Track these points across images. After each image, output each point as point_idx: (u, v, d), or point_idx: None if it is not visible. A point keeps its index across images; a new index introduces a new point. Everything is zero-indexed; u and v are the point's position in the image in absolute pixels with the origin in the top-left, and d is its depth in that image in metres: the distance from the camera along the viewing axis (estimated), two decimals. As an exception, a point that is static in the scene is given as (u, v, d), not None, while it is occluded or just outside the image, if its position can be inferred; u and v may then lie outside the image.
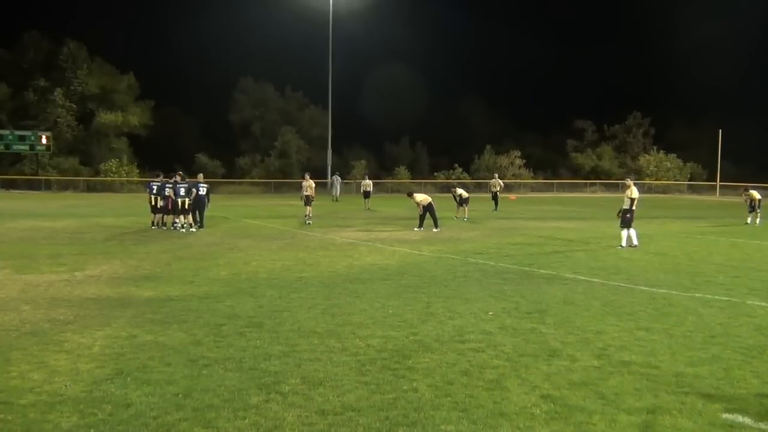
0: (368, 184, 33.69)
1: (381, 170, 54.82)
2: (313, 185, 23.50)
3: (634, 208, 15.94)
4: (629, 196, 15.95)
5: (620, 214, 16.06)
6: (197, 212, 19.60)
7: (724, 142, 56.34)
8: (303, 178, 24.43)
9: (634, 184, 16.58)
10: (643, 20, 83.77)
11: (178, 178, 19.71)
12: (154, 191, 19.84)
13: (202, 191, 19.82)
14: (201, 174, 22.10)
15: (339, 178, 43.22)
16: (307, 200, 22.99)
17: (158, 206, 19.72)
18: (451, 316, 8.23)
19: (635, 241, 15.83)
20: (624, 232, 15.86)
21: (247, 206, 33.08)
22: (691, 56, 66.13)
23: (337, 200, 39.00)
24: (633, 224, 15.90)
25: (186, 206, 18.97)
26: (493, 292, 9.90)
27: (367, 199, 32.44)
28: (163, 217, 19.80)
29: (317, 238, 17.47)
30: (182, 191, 18.93)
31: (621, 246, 15.67)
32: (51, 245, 15.27)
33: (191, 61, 62.58)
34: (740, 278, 11.42)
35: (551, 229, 20.91)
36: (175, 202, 19.17)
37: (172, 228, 19.24)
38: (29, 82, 53.26)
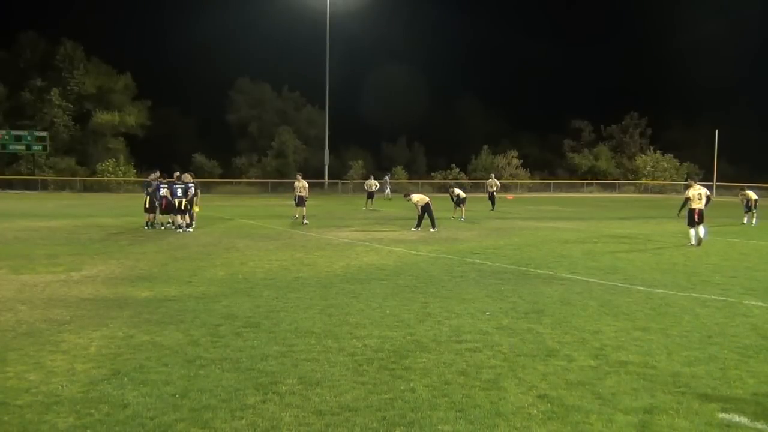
0: (372, 184, 33.67)
1: (378, 170, 54.90)
2: (306, 185, 23.42)
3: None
4: (706, 194, 16.71)
5: (682, 213, 16.82)
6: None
7: (721, 142, 56.51)
8: (296, 178, 24.36)
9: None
10: (640, 20, 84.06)
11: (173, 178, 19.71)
12: (150, 191, 19.85)
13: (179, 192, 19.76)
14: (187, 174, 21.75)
15: (388, 177, 43.79)
16: (300, 200, 22.91)
17: (154, 206, 19.72)
18: (448, 316, 8.23)
19: (694, 241, 16.27)
20: (702, 230, 16.34)
21: (244, 206, 33.07)
22: (687, 56, 66.41)
23: (390, 199, 40.08)
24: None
25: (183, 206, 18.94)
26: (490, 292, 9.90)
27: (370, 200, 32.39)
28: (155, 217, 19.79)
29: (314, 239, 17.46)
30: (179, 191, 18.90)
31: (692, 244, 16.21)
32: (47, 245, 15.24)
33: (188, 61, 62.62)
34: (737, 278, 11.44)
35: (548, 229, 20.93)
36: (170, 202, 19.16)
37: (172, 228, 19.22)
38: (26, 82, 53.19)
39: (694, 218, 16.34)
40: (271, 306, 8.78)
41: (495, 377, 5.86)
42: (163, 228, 19.41)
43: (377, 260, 13.32)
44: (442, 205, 24.50)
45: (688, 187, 17.30)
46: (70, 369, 5.99)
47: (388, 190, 42.44)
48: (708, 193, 17.21)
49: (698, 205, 16.39)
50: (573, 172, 65.50)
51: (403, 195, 22.56)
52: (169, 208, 19.37)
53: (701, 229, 16.38)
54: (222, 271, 11.82)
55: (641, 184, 62.40)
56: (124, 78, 57.22)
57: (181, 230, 18.65)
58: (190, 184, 19.51)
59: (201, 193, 20.77)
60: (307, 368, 6.06)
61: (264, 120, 61.66)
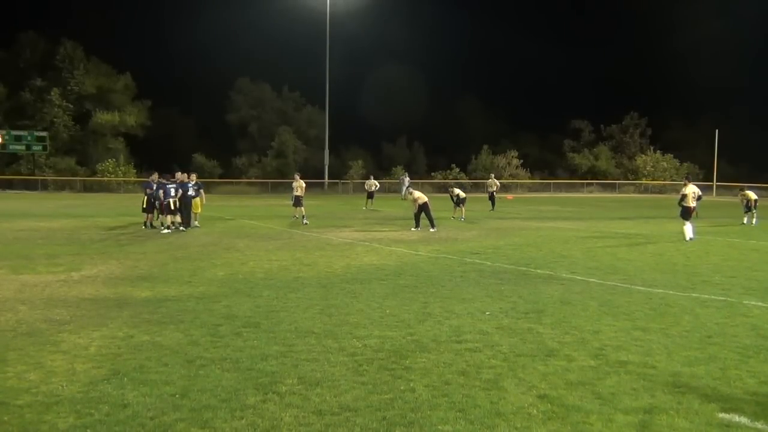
0: (372, 184, 33.60)
1: (378, 170, 54.91)
2: (304, 185, 23.41)
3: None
4: (699, 193, 18.34)
5: (683, 210, 17.94)
6: (186, 212, 19.53)
7: (721, 142, 56.49)
8: (293, 178, 24.34)
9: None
10: (640, 20, 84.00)
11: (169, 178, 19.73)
12: (149, 191, 19.84)
13: (191, 192, 19.70)
14: (195, 174, 21.93)
15: (407, 178, 43.71)
16: (297, 201, 22.90)
17: (153, 206, 19.69)
18: (448, 316, 8.23)
19: (691, 234, 17.51)
20: (689, 226, 17.58)
21: (244, 206, 33.07)
22: (688, 56, 66.30)
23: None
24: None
25: (177, 206, 18.88)
26: (490, 292, 9.91)
27: (370, 200, 32.35)
28: (153, 217, 19.77)
29: (314, 239, 17.46)
30: (172, 191, 18.84)
31: (690, 239, 17.32)
32: (48, 245, 15.23)
33: (188, 61, 62.59)
34: (737, 278, 11.44)
35: (548, 229, 20.93)
36: (168, 202, 19.15)
37: (172, 228, 19.21)
38: (26, 82, 53.15)
39: (689, 214, 17.83)
40: (271, 306, 8.78)
41: (495, 377, 5.86)
42: (164, 228, 19.37)
43: (377, 260, 13.32)
44: (442, 205, 24.51)
45: (685, 185, 18.66)
46: (70, 369, 5.99)
47: (407, 189, 42.10)
48: (700, 192, 18.81)
49: (692, 203, 17.94)
50: (573, 172, 65.47)
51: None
52: (167, 208, 19.37)
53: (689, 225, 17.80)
54: (222, 271, 11.82)
55: (641, 184, 62.39)
56: (124, 78, 57.18)
57: (183, 229, 18.66)
58: (190, 184, 19.54)
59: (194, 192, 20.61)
60: (307, 368, 6.06)
61: (264, 120, 61.63)
